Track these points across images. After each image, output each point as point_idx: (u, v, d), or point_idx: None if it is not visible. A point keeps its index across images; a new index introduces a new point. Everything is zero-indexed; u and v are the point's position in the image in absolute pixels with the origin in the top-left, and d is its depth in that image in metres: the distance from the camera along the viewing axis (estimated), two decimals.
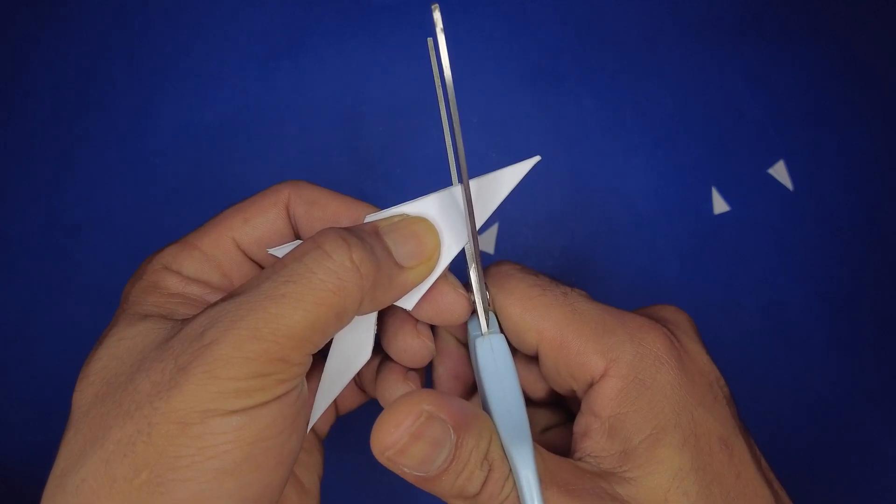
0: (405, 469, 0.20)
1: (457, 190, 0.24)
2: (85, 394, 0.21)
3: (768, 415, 0.39)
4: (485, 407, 0.23)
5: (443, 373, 0.28)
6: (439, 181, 0.43)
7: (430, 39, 0.25)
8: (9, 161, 0.41)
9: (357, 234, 0.21)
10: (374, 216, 0.24)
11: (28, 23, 0.43)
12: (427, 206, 0.24)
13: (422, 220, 0.24)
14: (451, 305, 0.24)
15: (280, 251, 0.24)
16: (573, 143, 0.42)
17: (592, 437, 0.23)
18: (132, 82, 0.42)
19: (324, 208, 0.25)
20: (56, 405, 0.39)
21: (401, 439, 0.20)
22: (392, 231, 0.23)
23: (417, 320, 0.26)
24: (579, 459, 0.23)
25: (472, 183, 0.24)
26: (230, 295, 0.20)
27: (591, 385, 0.24)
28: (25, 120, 0.42)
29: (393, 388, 0.26)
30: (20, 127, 0.42)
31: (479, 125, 0.42)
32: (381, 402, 0.26)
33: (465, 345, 0.28)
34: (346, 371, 0.25)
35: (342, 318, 0.21)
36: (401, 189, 0.40)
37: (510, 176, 0.24)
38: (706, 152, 0.42)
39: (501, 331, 0.25)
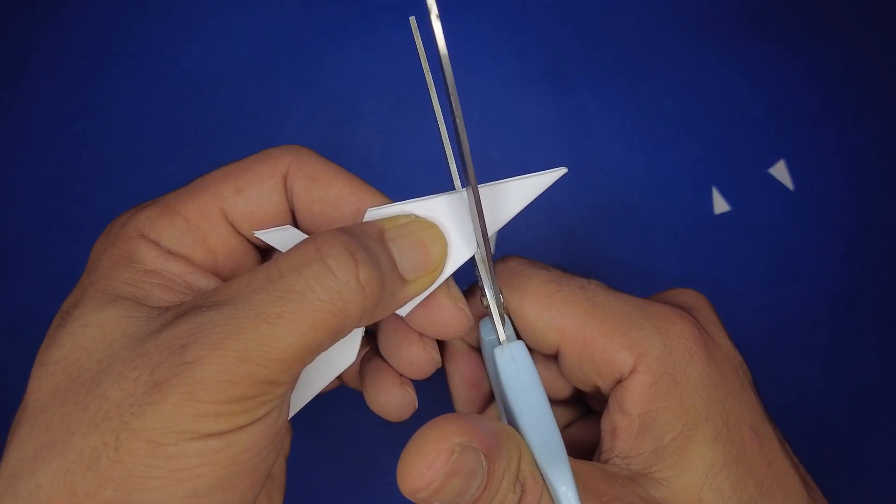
0: None
1: (466, 194, 0.22)
2: (43, 384, 0.19)
3: None
4: (509, 419, 0.22)
5: (459, 382, 0.26)
6: (439, 181, 0.42)
7: (412, 19, 0.22)
8: (8, 161, 0.41)
9: (364, 245, 0.19)
10: (377, 211, 0.22)
11: (28, 23, 0.43)
12: (436, 208, 0.22)
13: (431, 226, 0.22)
14: (448, 319, 0.22)
15: (269, 236, 0.22)
16: (573, 142, 0.42)
17: (621, 436, 0.22)
18: (132, 82, 0.42)
19: (326, 187, 0.23)
20: None
21: (435, 479, 0.18)
22: (399, 237, 0.21)
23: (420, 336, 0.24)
24: (607, 461, 0.22)
25: (486, 189, 0.22)
26: (216, 300, 0.18)
27: (618, 381, 0.22)
28: (25, 120, 0.42)
29: (388, 393, 0.24)
30: (20, 127, 0.42)
31: (479, 124, 0.42)
32: (370, 402, 0.25)
33: (477, 349, 0.26)
34: (327, 372, 0.23)
35: (337, 338, 0.19)
36: (401, 189, 0.40)
37: (530, 187, 0.22)
38: (706, 152, 0.42)
39: (517, 334, 0.24)
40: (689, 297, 0.25)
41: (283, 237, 0.22)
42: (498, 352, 0.22)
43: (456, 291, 0.23)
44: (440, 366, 0.25)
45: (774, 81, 0.43)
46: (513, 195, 0.22)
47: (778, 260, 0.41)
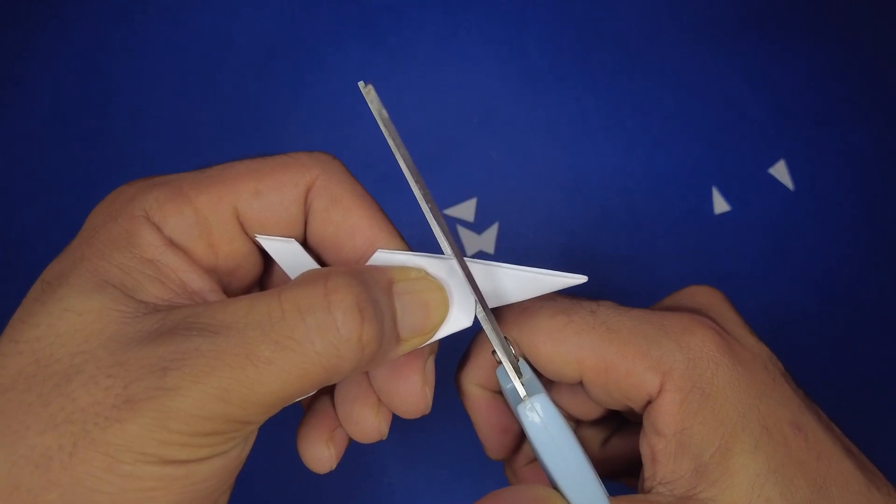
0: None
1: (472, 264, 0.21)
2: (9, 362, 0.18)
3: None
4: (548, 476, 0.22)
5: (487, 431, 0.25)
6: (440, 181, 0.43)
7: (360, 84, 0.20)
8: (8, 161, 0.41)
9: (373, 299, 0.18)
10: (386, 255, 0.21)
11: (27, 23, 0.43)
12: (445, 269, 0.21)
13: (438, 289, 0.21)
14: (409, 396, 0.22)
15: (269, 244, 0.21)
16: (573, 142, 0.42)
17: (660, 459, 0.21)
18: (131, 82, 0.42)
19: (346, 213, 0.22)
20: None
21: None
22: (405, 294, 0.20)
23: (374, 393, 0.23)
24: (651, 489, 0.21)
25: (494, 270, 0.21)
26: (209, 324, 0.17)
27: (649, 402, 0.22)
28: (25, 120, 0.42)
29: (361, 415, 0.23)
30: (19, 127, 0.42)
31: (479, 124, 0.42)
32: (344, 421, 0.23)
33: (499, 391, 0.25)
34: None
35: (321, 386, 0.18)
36: (401, 189, 0.40)
37: (544, 283, 0.21)
38: (706, 152, 0.42)
39: (536, 373, 0.23)
40: (703, 295, 0.25)
41: (283, 249, 0.22)
42: (521, 410, 0.21)
43: (430, 371, 0.22)
44: (384, 438, 0.24)
45: (775, 81, 0.43)
46: (520, 283, 0.22)
47: (778, 260, 0.41)
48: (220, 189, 0.21)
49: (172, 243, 0.20)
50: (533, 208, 0.41)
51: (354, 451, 0.38)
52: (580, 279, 0.21)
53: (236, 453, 0.18)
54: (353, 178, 0.22)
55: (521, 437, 0.26)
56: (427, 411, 0.22)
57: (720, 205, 0.42)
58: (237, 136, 0.41)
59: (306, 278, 0.18)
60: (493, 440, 0.26)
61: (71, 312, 0.18)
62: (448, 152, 0.41)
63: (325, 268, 0.19)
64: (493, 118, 0.42)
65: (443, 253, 0.21)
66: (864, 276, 0.41)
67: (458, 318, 0.21)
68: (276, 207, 0.21)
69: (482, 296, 0.21)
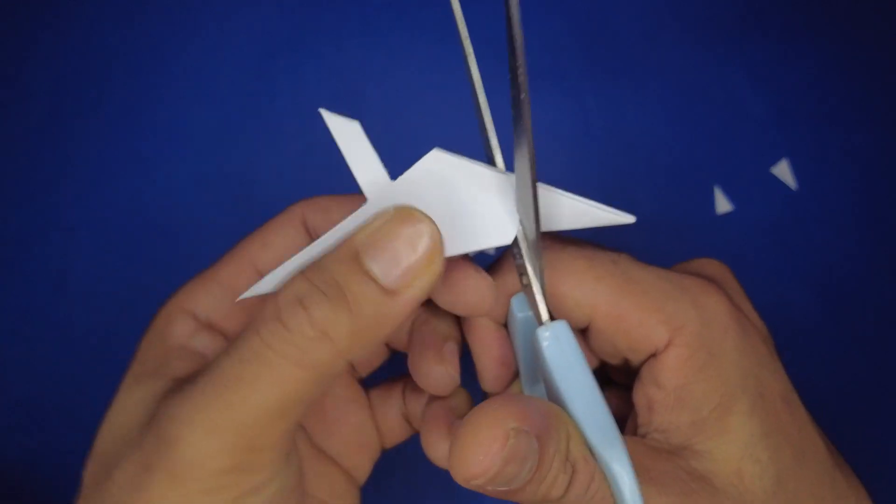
0: (489, 489, 0.18)
1: (484, 168, 0.21)
2: (88, 472, 0.20)
3: None
4: (554, 400, 0.22)
5: (488, 362, 0.25)
6: None
7: None
8: (5, 161, 0.41)
9: (322, 282, 0.18)
10: (443, 155, 0.21)
11: (24, 22, 0.43)
12: (493, 181, 0.21)
13: (405, 219, 0.20)
14: (474, 295, 0.22)
15: (332, 119, 0.22)
16: (574, 141, 0.42)
17: (658, 410, 0.22)
18: (128, 82, 0.42)
19: (340, 211, 0.23)
20: (54, 406, 0.39)
21: (492, 466, 0.17)
22: (370, 247, 0.19)
23: (443, 344, 0.24)
24: (645, 435, 0.22)
25: (555, 196, 0.21)
26: (200, 372, 0.18)
27: (651, 355, 0.22)
28: (21, 119, 0.41)
29: (428, 368, 0.23)
30: (16, 126, 0.41)
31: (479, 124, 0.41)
32: (412, 373, 0.24)
33: (503, 325, 0.26)
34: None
35: (325, 384, 0.18)
36: None
37: (595, 216, 0.22)
38: (708, 151, 0.42)
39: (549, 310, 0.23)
40: (714, 267, 0.26)
41: (344, 127, 0.22)
42: (541, 332, 0.21)
43: (480, 271, 0.22)
44: (458, 384, 0.24)
45: (777, 80, 0.43)
46: (572, 212, 0.22)
47: (780, 259, 0.41)
48: (234, 259, 0.23)
49: (205, 325, 0.22)
50: None
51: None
52: (629, 218, 0.22)
53: (274, 489, 0.18)
54: (334, 195, 0.25)
55: (515, 375, 0.27)
56: (494, 293, 0.22)
57: (722, 204, 0.41)
58: (237, 136, 0.41)
59: (266, 303, 0.19)
60: (491, 371, 0.26)
61: (119, 414, 0.20)
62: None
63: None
64: (493, 118, 0.42)
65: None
66: (867, 277, 0.41)
67: (498, 234, 0.21)
68: (284, 246, 0.23)
69: (539, 214, 0.20)
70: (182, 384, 0.19)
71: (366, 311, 0.18)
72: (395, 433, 0.27)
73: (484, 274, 0.23)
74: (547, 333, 0.21)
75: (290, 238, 0.24)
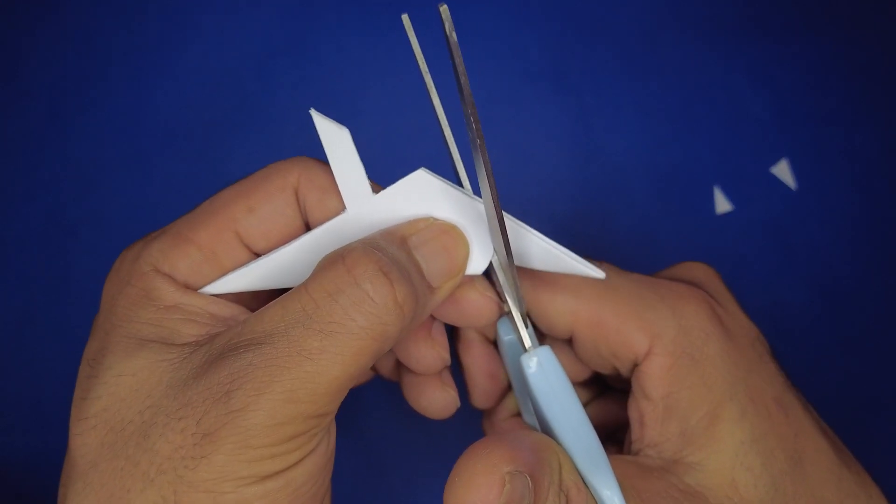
0: None
1: (478, 203, 0.21)
2: (88, 439, 0.18)
3: None
4: (542, 425, 0.22)
5: (477, 376, 0.26)
6: None
7: (405, 17, 0.21)
8: (5, 160, 0.41)
9: (395, 260, 0.19)
10: (427, 176, 0.22)
11: (24, 21, 0.43)
12: (470, 210, 0.21)
13: (451, 229, 0.21)
14: (479, 310, 0.22)
15: (322, 122, 0.21)
16: (574, 141, 0.42)
17: (648, 423, 0.22)
18: (129, 80, 0.42)
19: (338, 198, 0.22)
20: (54, 405, 0.39)
21: None
22: (423, 245, 0.20)
23: (431, 324, 0.24)
24: (639, 452, 0.22)
25: (528, 236, 0.21)
26: (253, 339, 0.18)
27: (635, 364, 0.22)
28: (22, 118, 0.41)
29: (430, 395, 0.24)
30: (17, 125, 0.41)
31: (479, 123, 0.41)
32: (412, 402, 0.24)
33: (493, 342, 0.26)
34: (289, 281, 0.21)
35: (378, 357, 0.19)
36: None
37: (564, 264, 0.22)
38: (708, 151, 0.42)
39: (534, 327, 0.23)
40: (698, 270, 0.25)
41: (333, 133, 0.21)
42: (525, 360, 0.21)
43: (483, 282, 0.23)
44: (448, 364, 0.24)
45: (777, 80, 0.43)
46: (542, 255, 0.22)
47: (780, 260, 0.41)
48: (215, 220, 0.22)
49: (189, 287, 0.21)
50: (533, 208, 0.41)
51: (368, 448, 0.38)
52: (599, 273, 0.22)
53: (324, 448, 0.19)
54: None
55: (506, 391, 0.27)
56: (500, 307, 0.23)
57: (722, 204, 0.41)
58: (236, 135, 0.41)
59: (324, 263, 0.19)
60: (481, 387, 0.26)
61: (125, 376, 0.19)
62: (448, 152, 0.41)
63: (339, 248, 0.19)
64: (494, 117, 0.42)
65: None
66: (867, 276, 0.41)
67: (473, 263, 0.22)
68: (272, 216, 0.22)
69: (510, 247, 0.20)
70: (234, 349, 0.18)
71: (420, 298, 0.19)
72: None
73: (485, 287, 0.23)
74: (531, 361, 0.21)
75: (279, 207, 0.22)
